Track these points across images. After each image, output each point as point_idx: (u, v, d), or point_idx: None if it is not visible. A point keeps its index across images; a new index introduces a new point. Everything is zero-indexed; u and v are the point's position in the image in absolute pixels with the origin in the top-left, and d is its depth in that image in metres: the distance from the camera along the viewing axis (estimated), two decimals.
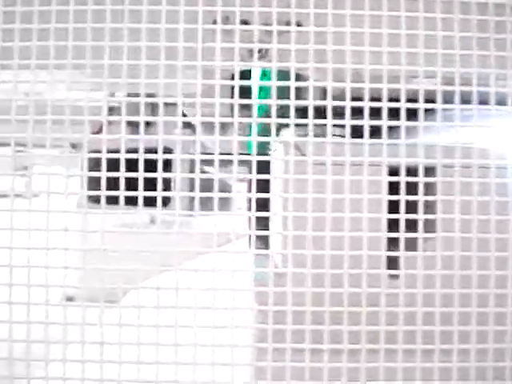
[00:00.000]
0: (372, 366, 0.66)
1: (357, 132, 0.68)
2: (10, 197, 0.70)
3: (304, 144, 0.69)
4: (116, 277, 0.69)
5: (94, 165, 0.71)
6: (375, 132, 0.69)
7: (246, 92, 0.69)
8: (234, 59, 0.66)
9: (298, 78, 0.70)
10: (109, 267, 0.68)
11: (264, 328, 0.67)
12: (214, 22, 0.69)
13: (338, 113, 0.68)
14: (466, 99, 0.67)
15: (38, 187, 0.72)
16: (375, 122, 0.66)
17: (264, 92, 0.74)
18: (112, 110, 0.76)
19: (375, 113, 0.68)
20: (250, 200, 0.68)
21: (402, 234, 0.66)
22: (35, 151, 0.72)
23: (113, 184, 0.69)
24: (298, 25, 0.68)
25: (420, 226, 0.66)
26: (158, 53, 0.67)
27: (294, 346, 0.66)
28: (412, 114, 0.69)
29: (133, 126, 0.67)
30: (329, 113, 0.66)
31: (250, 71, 0.77)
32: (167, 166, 0.69)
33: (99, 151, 0.69)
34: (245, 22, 0.69)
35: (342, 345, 0.66)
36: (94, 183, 0.72)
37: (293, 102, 0.67)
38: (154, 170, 0.69)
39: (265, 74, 0.83)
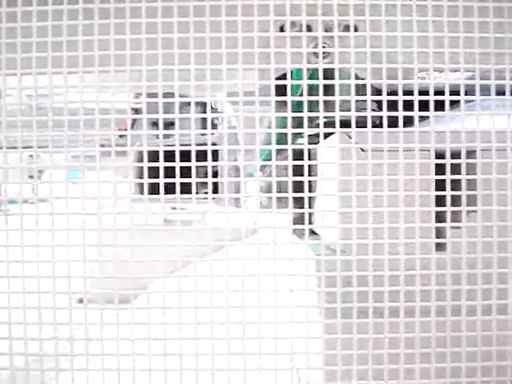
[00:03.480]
0: (425, 320, 0.78)
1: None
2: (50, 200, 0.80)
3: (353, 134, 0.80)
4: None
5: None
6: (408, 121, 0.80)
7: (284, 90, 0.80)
8: (303, 62, 0.77)
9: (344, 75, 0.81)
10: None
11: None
12: (281, 29, 0.79)
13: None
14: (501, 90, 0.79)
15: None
16: (424, 113, 0.77)
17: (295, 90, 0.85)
18: (137, 112, 0.86)
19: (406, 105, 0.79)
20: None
21: (448, 208, 0.78)
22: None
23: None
24: (355, 29, 0.78)
25: (464, 201, 0.78)
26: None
27: (359, 306, 0.77)
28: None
29: (157, 127, 0.76)
30: (384, 106, 0.77)
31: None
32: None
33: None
34: (308, 27, 0.79)
35: (399, 303, 0.78)
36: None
37: (338, 98, 0.78)
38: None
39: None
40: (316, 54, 0.78)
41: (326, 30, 0.78)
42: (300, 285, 0.79)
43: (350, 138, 0.82)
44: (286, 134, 0.79)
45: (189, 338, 0.77)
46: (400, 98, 0.77)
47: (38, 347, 0.78)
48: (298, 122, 0.80)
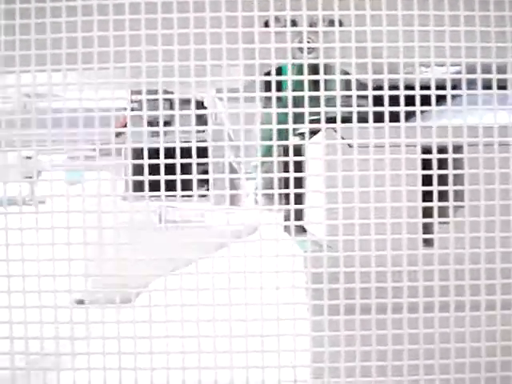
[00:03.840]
0: (413, 317, 0.77)
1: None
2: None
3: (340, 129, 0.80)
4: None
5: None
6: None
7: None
8: (288, 57, 0.77)
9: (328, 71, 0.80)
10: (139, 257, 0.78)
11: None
12: (266, 24, 0.79)
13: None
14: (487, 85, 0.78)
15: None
16: (411, 108, 0.77)
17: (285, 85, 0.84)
18: (132, 111, 0.85)
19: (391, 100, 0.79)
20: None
21: (436, 204, 0.77)
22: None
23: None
24: (340, 24, 0.78)
25: (451, 196, 0.77)
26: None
27: (347, 302, 0.77)
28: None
29: (153, 126, 0.76)
30: (370, 101, 0.77)
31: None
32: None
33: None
34: (293, 22, 0.79)
35: (387, 300, 0.77)
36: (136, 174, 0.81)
37: (322, 93, 0.78)
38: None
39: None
40: (301, 50, 0.78)
41: (311, 25, 0.78)
42: (288, 282, 0.79)
43: (336, 133, 0.82)
44: (282, 130, 0.79)
45: (175, 335, 0.76)
46: (386, 93, 0.77)
47: (39, 347, 0.78)
48: (293, 118, 0.79)
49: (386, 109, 0.77)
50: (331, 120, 0.80)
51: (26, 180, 0.84)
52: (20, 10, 0.77)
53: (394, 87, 0.79)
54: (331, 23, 0.78)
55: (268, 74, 0.80)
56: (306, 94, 0.77)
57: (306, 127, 0.78)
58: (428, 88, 0.79)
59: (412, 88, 0.79)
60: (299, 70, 0.80)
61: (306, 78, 0.77)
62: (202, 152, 0.79)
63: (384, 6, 0.77)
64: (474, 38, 0.77)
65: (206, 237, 0.81)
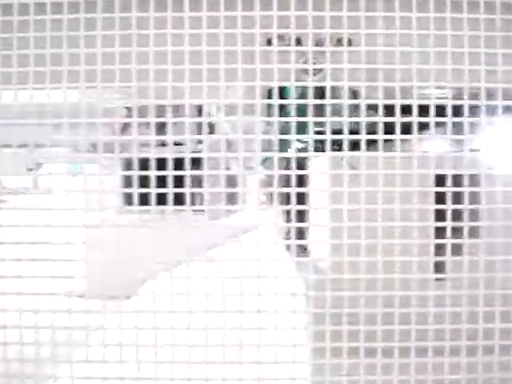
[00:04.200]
0: (421, 361, 0.72)
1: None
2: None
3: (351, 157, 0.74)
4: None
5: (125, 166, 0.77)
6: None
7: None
8: (291, 78, 0.70)
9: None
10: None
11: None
12: (269, 42, 0.72)
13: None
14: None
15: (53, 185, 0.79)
16: (422, 136, 0.71)
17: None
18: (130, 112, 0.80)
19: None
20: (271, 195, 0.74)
21: (449, 241, 0.71)
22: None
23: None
24: (349, 43, 0.71)
25: (465, 232, 0.71)
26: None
27: (350, 345, 0.71)
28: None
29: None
30: (380, 128, 0.71)
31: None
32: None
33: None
34: (297, 40, 0.72)
35: (393, 343, 0.71)
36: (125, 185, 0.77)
37: (329, 119, 0.71)
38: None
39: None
40: (306, 71, 0.71)
41: (317, 44, 0.71)
42: (288, 321, 0.73)
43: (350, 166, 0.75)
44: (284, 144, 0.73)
45: (165, 344, 0.72)
46: (398, 120, 0.70)
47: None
48: (299, 130, 0.73)
49: (398, 137, 0.71)
50: (337, 132, 0.73)
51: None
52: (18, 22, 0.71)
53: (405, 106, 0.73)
54: (339, 42, 0.71)
55: (271, 90, 0.74)
56: (311, 119, 0.70)
57: (310, 155, 0.72)
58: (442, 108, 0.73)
59: (424, 107, 0.73)
60: (303, 90, 0.73)
61: (311, 102, 0.70)
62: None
63: (398, 24, 0.70)
64: (496, 61, 0.71)
65: (201, 235, 0.77)
